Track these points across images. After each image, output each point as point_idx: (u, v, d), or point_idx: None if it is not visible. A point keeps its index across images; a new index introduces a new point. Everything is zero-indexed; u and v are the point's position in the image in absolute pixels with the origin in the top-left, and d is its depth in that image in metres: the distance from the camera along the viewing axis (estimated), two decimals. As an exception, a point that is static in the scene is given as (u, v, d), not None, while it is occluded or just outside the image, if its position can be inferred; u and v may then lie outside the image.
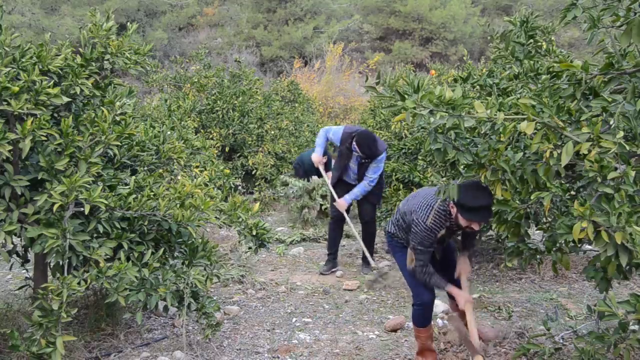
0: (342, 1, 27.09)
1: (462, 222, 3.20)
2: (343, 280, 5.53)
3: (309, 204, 7.46)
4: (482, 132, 2.94)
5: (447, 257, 3.75)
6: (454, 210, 3.23)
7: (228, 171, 6.15)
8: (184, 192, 3.54)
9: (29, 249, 3.49)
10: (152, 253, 3.49)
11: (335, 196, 5.68)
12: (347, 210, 5.74)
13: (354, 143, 5.38)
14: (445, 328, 4.26)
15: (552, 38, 4.18)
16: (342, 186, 5.69)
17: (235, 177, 8.40)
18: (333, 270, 5.83)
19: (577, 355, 2.93)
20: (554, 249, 3.04)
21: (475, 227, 3.20)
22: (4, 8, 3.48)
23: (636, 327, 3.06)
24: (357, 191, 5.55)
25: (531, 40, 3.60)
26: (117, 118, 3.59)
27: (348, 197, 5.58)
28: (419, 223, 3.35)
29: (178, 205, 3.49)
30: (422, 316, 3.58)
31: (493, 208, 3.15)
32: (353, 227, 5.83)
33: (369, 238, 5.85)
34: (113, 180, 3.55)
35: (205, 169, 5.73)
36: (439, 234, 3.36)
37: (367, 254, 5.75)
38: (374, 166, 5.47)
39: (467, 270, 3.59)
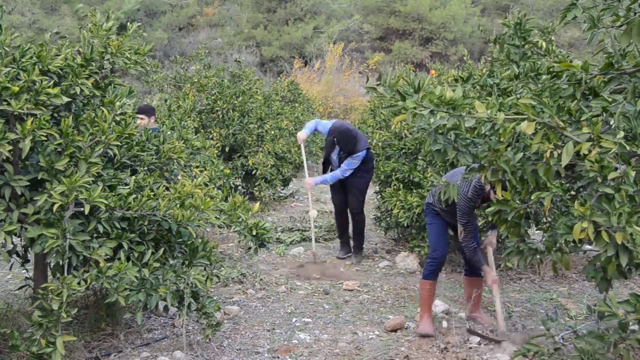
0: (342, 1, 27.09)
1: (492, 197, 3.67)
2: (343, 279, 5.53)
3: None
4: (482, 133, 2.93)
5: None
6: (487, 187, 3.80)
7: (228, 171, 6.16)
8: (184, 192, 3.54)
9: (29, 249, 3.49)
10: (152, 253, 3.49)
11: (307, 174, 6.44)
12: (359, 213, 6.25)
13: (334, 138, 6.01)
14: (445, 329, 4.26)
15: (552, 38, 4.17)
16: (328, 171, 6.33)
17: (235, 177, 8.39)
18: (348, 254, 6.33)
19: (577, 355, 2.93)
20: (554, 249, 3.04)
21: None
22: (4, 8, 3.48)
23: (636, 327, 3.06)
24: (328, 177, 6.16)
25: (525, 42, 3.59)
26: (117, 118, 3.59)
27: (318, 179, 6.25)
28: (462, 196, 3.92)
29: (178, 205, 3.49)
30: (431, 268, 4.23)
31: (494, 209, 3.17)
32: (312, 210, 6.52)
33: (357, 229, 6.34)
34: (113, 180, 3.55)
35: (205, 169, 5.73)
36: (476, 205, 3.97)
37: (313, 237, 6.36)
38: (349, 160, 6.02)
39: (493, 244, 4.17)
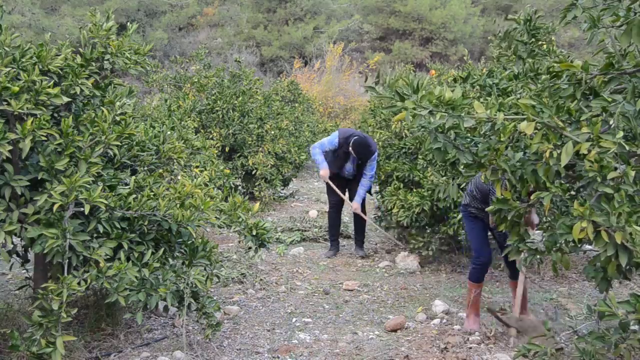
0: (342, 1, 27.06)
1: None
2: (343, 279, 5.53)
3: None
4: (482, 132, 2.93)
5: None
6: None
7: (228, 171, 6.15)
8: (184, 192, 3.54)
9: (29, 249, 3.49)
10: (152, 253, 3.49)
11: (347, 200, 6.38)
12: (363, 210, 6.35)
13: (350, 148, 6.01)
14: (444, 329, 4.26)
15: (553, 38, 4.18)
16: (339, 180, 6.35)
17: (235, 177, 8.38)
18: (336, 254, 6.42)
19: (578, 355, 2.93)
20: (554, 249, 3.04)
21: None
22: (4, 8, 3.48)
23: (636, 327, 3.06)
24: (362, 191, 6.22)
25: (534, 39, 3.60)
26: (117, 118, 3.59)
27: (358, 199, 6.23)
28: (495, 192, 3.96)
29: (178, 205, 3.49)
30: (478, 273, 4.32)
31: (494, 208, 3.17)
32: (367, 218, 6.46)
33: (361, 226, 6.49)
34: (113, 180, 3.55)
35: (205, 169, 5.72)
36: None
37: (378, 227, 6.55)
38: (369, 165, 6.14)
39: (534, 223, 4.07)
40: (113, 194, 3.37)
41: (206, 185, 3.88)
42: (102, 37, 3.57)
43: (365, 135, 6.19)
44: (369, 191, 6.38)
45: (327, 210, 6.65)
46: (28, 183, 3.23)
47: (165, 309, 3.71)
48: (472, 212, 4.35)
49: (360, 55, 22.72)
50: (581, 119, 2.63)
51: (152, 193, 3.49)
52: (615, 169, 2.48)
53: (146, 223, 3.54)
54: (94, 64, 3.55)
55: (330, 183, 6.32)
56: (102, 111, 3.46)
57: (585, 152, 2.49)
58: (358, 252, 6.41)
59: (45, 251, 3.16)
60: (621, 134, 2.47)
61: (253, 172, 8.64)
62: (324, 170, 6.18)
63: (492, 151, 2.86)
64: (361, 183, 6.19)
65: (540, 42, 3.59)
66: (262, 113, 8.92)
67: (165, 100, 8.07)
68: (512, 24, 3.67)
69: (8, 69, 3.14)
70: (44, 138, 3.17)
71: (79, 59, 3.52)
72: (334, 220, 6.45)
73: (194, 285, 3.60)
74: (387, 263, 6.06)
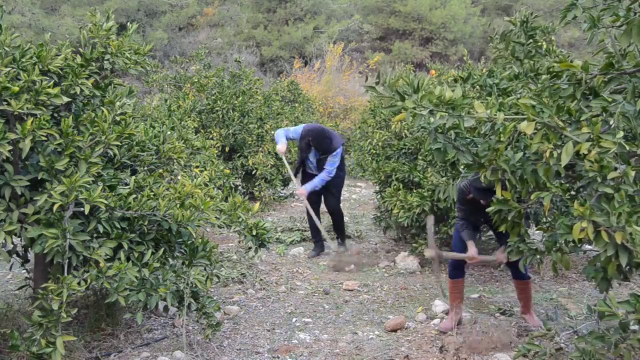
0: (342, 1, 27.05)
1: (469, 196, 4.03)
2: (343, 279, 5.53)
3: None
4: (482, 132, 2.94)
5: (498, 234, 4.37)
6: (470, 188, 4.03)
7: (228, 171, 6.16)
8: (184, 192, 3.54)
9: (29, 249, 3.49)
10: (152, 253, 3.49)
11: (298, 185, 6.32)
12: (312, 202, 6.26)
13: (309, 140, 6.03)
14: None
15: (552, 38, 4.18)
16: (306, 176, 6.34)
17: (235, 177, 8.38)
18: (321, 253, 6.38)
19: (578, 355, 2.93)
20: (554, 249, 3.04)
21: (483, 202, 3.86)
22: (4, 8, 3.48)
23: (636, 327, 3.06)
24: (316, 181, 6.13)
25: (531, 40, 3.60)
26: (117, 118, 3.59)
27: (308, 186, 6.13)
28: (458, 188, 4.29)
29: (178, 205, 3.49)
30: (453, 270, 4.37)
31: (494, 208, 3.16)
32: (314, 214, 6.25)
33: (337, 225, 6.47)
34: (113, 180, 3.55)
35: (205, 169, 5.71)
36: (467, 197, 4.11)
37: (327, 238, 6.37)
38: (330, 160, 6.08)
39: (500, 258, 4.17)
40: (113, 194, 3.37)
41: (206, 185, 3.89)
42: (102, 37, 3.57)
43: (330, 131, 6.21)
44: (338, 193, 6.36)
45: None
46: (28, 183, 3.23)
47: (165, 309, 3.71)
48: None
49: (360, 55, 22.71)
50: (581, 119, 2.63)
51: (152, 193, 3.49)
52: (615, 169, 2.48)
53: (146, 223, 3.54)
54: (94, 64, 3.55)
55: (285, 161, 6.36)
56: (102, 111, 3.46)
57: (586, 152, 2.49)
58: (341, 249, 6.36)
59: (45, 251, 3.16)
60: (621, 134, 2.47)
61: (253, 172, 8.64)
62: (281, 145, 6.12)
63: (492, 151, 2.86)
64: (319, 174, 6.15)
65: (538, 43, 3.60)
66: (262, 113, 8.92)
67: (165, 100, 8.07)
68: (509, 26, 3.68)
69: (8, 69, 3.14)
70: (44, 138, 3.17)
71: (79, 59, 3.52)
72: (310, 221, 6.42)
73: (194, 285, 3.60)
74: (387, 263, 6.06)
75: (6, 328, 3.65)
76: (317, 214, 6.37)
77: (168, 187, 3.63)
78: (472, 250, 4.20)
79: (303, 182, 6.31)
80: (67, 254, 3.18)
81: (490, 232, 5.45)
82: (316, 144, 6.02)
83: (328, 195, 6.33)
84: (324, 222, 7.62)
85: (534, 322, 4.26)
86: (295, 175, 6.39)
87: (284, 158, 6.36)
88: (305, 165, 6.33)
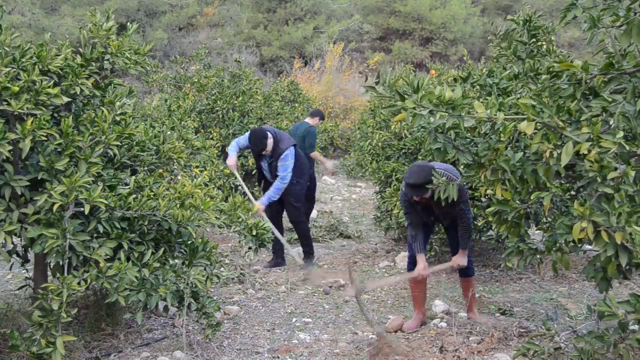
0: (342, 1, 27.04)
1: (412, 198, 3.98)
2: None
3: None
4: (482, 132, 2.94)
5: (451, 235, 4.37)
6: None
7: (228, 171, 6.15)
8: (184, 192, 3.54)
9: (29, 249, 3.49)
10: (152, 253, 3.49)
11: (253, 200, 5.70)
12: (274, 212, 5.78)
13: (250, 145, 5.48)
14: (445, 328, 4.26)
15: (552, 38, 4.18)
16: (268, 185, 5.75)
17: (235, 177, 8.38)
18: (278, 267, 5.90)
19: (577, 355, 2.93)
20: (554, 249, 3.04)
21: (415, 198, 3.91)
22: (4, 8, 3.48)
23: (636, 327, 3.06)
24: (271, 192, 5.59)
25: (533, 39, 3.60)
26: (117, 118, 3.60)
27: (264, 199, 5.59)
28: (400, 193, 4.26)
29: (178, 206, 3.49)
30: (410, 264, 4.36)
31: (493, 209, 3.15)
32: (273, 227, 5.40)
33: (302, 236, 6.00)
34: (113, 180, 3.55)
35: (205, 169, 5.72)
36: (410, 199, 4.03)
37: (292, 252, 5.86)
38: (280, 165, 5.54)
39: (457, 262, 4.19)
40: (113, 194, 3.37)
41: (206, 185, 3.88)
42: (102, 37, 3.57)
43: (274, 131, 5.67)
44: (298, 202, 5.83)
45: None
46: (28, 183, 3.23)
47: (165, 309, 3.71)
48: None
49: (360, 55, 22.71)
50: (581, 119, 2.63)
51: (152, 193, 3.49)
52: (615, 169, 2.48)
53: (146, 223, 3.54)
54: (94, 64, 3.55)
55: (236, 174, 5.82)
56: (102, 111, 3.46)
57: (585, 152, 2.49)
58: (303, 266, 5.78)
59: (45, 251, 3.16)
60: (621, 134, 2.48)
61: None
62: (229, 160, 5.67)
63: (492, 151, 2.86)
64: (273, 184, 5.61)
65: (540, 43, 3.60)
66: (262, 113, 8.92)
67: (165, 100, 8.08)
68: (512, 25, 3.68)
69: (8, 69, 3.14)
70: (44, 138, 3.17)
71: (79, 59, 3.52)
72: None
73: (194, 285, 3.61)
74: (387, 263, 6.06)
75: (6, 328, 3.65)
76: (278, 225, 5.88)
77: (168, 187, 3.63)
78: (420, 266, 4.12)
79: (265, 191, 5.74)
80: (67, 254, 3.18)
81: (491, 232, 5.46)
82: (250, 142, 5.49)
83: (287, 206, 5.88)
84: (322, 222, 7.62)
85: (476, 318, 4.32)
86: (259, 184, 5.92)
87: (235, 172, 5.83)
88: (262, 174, 5.83)
